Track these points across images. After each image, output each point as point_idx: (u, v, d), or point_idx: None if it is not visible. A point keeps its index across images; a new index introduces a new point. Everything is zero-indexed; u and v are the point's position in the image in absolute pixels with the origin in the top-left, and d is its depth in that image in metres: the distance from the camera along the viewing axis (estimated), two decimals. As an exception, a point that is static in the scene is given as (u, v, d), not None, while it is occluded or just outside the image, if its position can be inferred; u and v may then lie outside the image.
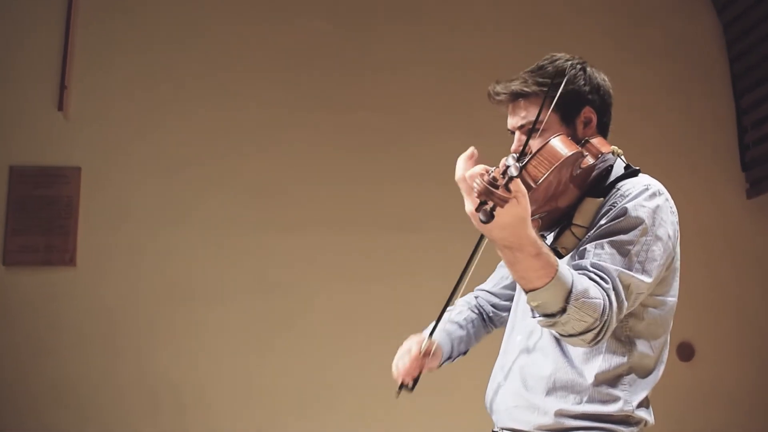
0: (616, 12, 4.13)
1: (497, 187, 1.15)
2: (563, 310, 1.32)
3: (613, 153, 1.61)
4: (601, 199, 1.55)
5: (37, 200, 3.67)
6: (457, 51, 4.00)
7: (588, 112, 1.63)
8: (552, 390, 1.56)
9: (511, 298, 1.90)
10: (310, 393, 3.65)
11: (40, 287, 3.62)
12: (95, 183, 3.74)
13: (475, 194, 1.16)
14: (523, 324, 1.70)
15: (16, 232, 3.64)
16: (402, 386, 1.76)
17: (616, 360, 1.54)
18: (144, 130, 3.82)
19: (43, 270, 3.64)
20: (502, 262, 1.92)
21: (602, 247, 1.45)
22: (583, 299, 1.32)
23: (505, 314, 1.92)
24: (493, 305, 1.97)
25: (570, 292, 1.31)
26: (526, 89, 1.61)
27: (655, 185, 1.55)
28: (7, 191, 3.67)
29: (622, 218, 1.48)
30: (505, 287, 1.96)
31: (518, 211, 1.21)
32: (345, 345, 3.70)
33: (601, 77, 1.68)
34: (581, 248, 1.49)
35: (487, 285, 2.00)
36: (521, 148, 1.52)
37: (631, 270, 1.44)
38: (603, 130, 1.67)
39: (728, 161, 4.07)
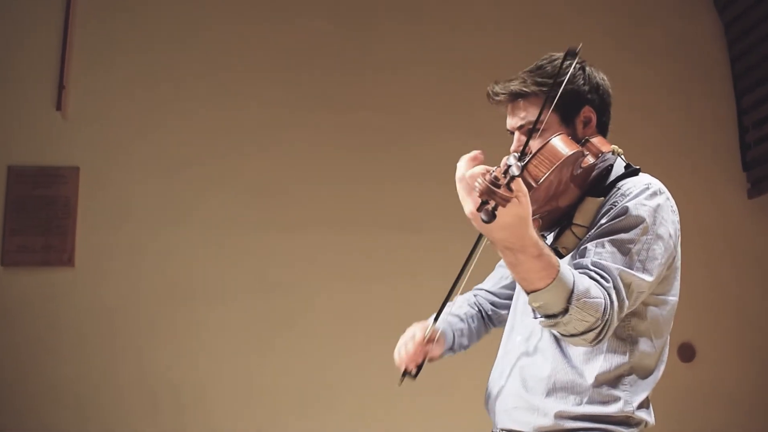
0: (616, 12, 4.13)
1: (499, 187, 1.15)
2: (565, 311, 1.31)
3: (613, 152, 1.61)
4: (602, 198, 1.55)
5: (36, 200, 3.67)
6: (458, 51, 4.00)
7: (587, 112, 1.63)
8: (552, 391, 1.56)
9: (510, 298, 1.89)
10: (310, 393, 3.65)
11: (39, 287, 3.62)
12: (94, 183, 3.73)
13: (477, 194, 1.16)
14: (522, 324, 1.69)
15: (14, 232, 3.64)
16: (405, 374, 1.74)
17: (617, 360, 1.54)
18: (143, 130, 3.81)
19: (41, 270, 3.64)
20: (501, 262, 1.93)
21: (603, 246, 1.45)
22: (584, 299, 1.32)
23: (504, 313, 1.92)
24: (492, 303, 1.96)
25: (572, 292, 1.31)
26: (525, 89, 1.61)
27: (656, 184, 1.55)
28: (5, 191, 3.66)
29: (622, 217, 1.48)
30: (505, 287, 1.95)
31: (519, 211, 1.21)
32: (345, 345, 3.70)
33: (601, 76, 1.67)
34: (582, 247, 1.49)
35: (486, 284, 2.00)
36: (521, 148, 1.52)
37: (632, 269, 1.43)
38: (603, 130, 1.67)
39: (729, 161, 4.06)
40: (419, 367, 1.74)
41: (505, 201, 1.16)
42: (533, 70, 1.64)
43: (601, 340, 1.39)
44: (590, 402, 1.53)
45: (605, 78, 1.69)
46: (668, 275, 1.56)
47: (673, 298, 1.59)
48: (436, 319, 1.76)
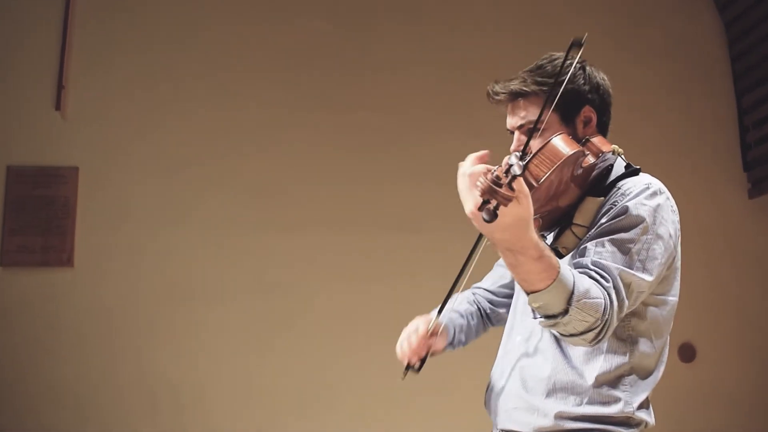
0: (616, 12, 4.12)
1: (501, 186, 1.14)
2: (565, 312, 1.31)
3: (613, 152, 1.60)
4: (602, 198, 1.55)
5: (35, 200, 3.66)
6: (457, 51, 3.99)
7: (588, 112, 1.63)
8: (552, 391, 1.56)
9: (508, 297, 1.89)
10: (310, 393, 3.65)
11: (38, 288, 3.62)
12: (93, 183, 3.73)
13: (479, 193, 1.16)
14: (522, 324, 1.69)
15: (13, 233, 3.64)
16: (408, 367, 1.73)
17: (617, 360, 1.53)
18: (143, 130, 3.81)
19: (40, 270, 3.63)
20: (499, 261, 1.93)
21: (603, 245, 1.45)
22: (584, 300, 1.32)
23: (502, 311, 1.92)
24: (490, 302, 1.96)
25: (572, 293, 1.31)
26: (525, 89, 1.61)
27: (656, 184, 1.55)
28: (5, 191, 3.66)
29: (623, 216, 1.48)
30: (503, 286, 1.95)
31: (520, 211, 1.21)
32: (345, 345, 3.70)
33: (601, 76, 1.67)
34: (582, 246, 1.49)
35: (485, 284, 1.99)
36: (521, 147, 1.51)
37: (632, 268, 1.43)
38: (603, 129, 1.67)
39: (729, 161, 4.06)
40: (423, 361, 1.73)
41: (507, 200, 1.15)
42: (533, 70, 1.63)
43: (600, 340, 1.39)
44: (590, 402, 1.53)
45: (605, 78, 1.68)
46: (668, 275, 1.56)
47: (673, 298, 1.59)
48: (439, 312, 1.74)
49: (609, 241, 1.45)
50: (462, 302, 1.94)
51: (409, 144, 3.90)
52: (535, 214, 1.32)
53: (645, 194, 1.51)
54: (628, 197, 1.50)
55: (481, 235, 1.56)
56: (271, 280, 3.72)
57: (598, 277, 1.39)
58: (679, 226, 1.57)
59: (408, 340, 1.74)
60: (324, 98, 3.92)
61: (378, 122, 3.91)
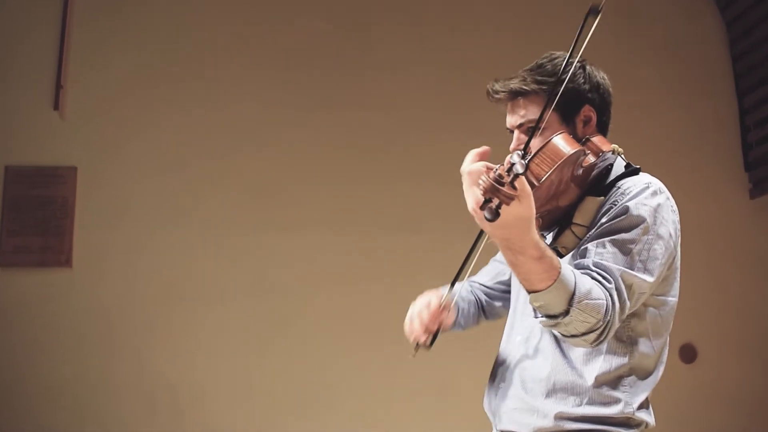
0: (617, 11, 4.10)
1: (503, 185, 1.14)
2: (566, 312, 1.31)
3: (613, 151, 1.60)
4: (602, 198, 1.54)
5: (33, 200, 3.66)
6: (457, 51, 3.99)
7: (588, 111, 1.62)
8: (551, 392, 1.55)
9: (504, 291, 1.89)
10: (309, 394, 3.64)
11: (36, 288, 3.61)
12: (91, 183, 3.73)
13: (481, 191, 1.15)
14: (522, 325, 1.68)
15: (11, 233, 3.63)
16: (419, 345, 1.68)
17: (617, 361, 1.53)
18: (141, 130, 3.80)
19: (38, 271, 3.63)
20: (496, 256, 1.92)
21: (604, 246, 1.44)
22: (586, 301, 1.31)
23: (498, 304, 1.91)
24: (486, 295, 1.95)
25: (573, 294, 1.31)
26: (525, 88, 1.60)
27: (656, 184, 1.55)
28: (3, 191, 3.66)
29: (623, 216, 1.47)
30: (501, 282, 1.94)
31: (521, 211, 1.20)
32: (345, 345, 3.69)
33: (601, 75, 1.67)
34: (582, 247, 1.48)
35: (482, 279, 1.97)
36: (521, 146, 1.50)
37: (633, 269, 1.43)
38: (603, 129, 1.66)
39: (731, 161, 4.05)
40: (434, 336, 1.68)
41: (509, 199, 1.15)
42: (533, 69, 1.63)
43: (602, 341, 1.38)
44: (590, 403, 1.52)
45: (605, 77, 1.68)
46: (668, 276, 1.55)
47: (673, 298, 1.58)
48: (452, 285, 1.69)
49: (610, 241, 1.45)
50: (462, 289, 1.92)
51: (409, 144, 3.89)
52: (535, 214, 1.31)
53: (645, 194, 1.50)
54: (628, 197, 1.50)
55: (481, 231, 1.56)
56: (270, 280, 3.72)
57: (599, 279, 1.38)
58: (679, 226, 1.57)
59: (419, 315, 1.69)
60: (324, 98, 3.91)
61: (378, 122, 3.90)
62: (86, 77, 3.82)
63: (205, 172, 3.79)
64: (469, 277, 1.76)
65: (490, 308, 1.94)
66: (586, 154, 1.54)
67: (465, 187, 1.25)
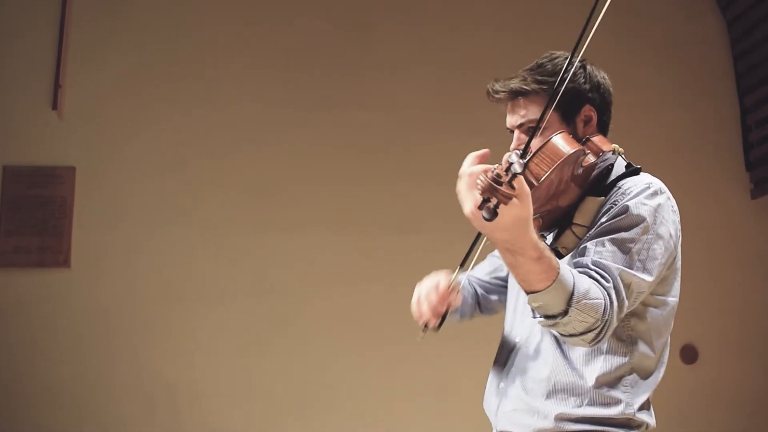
0: (618, 11, 4.09)
1: (501, 184, 1.14)
2: (565, 312, 1.31)
3: (613, 151, 1.60)
4: (602, 197, 1.54)
5: (31, 200, 3.66)
6: (457, 51, 3.99)
7: (588, 111, 1.62)
8: (552, 393, 1.55)
9: (500, 286, 1.89)
10: (309, 394, 3.64)
11: (34, 288, 3.61)
12: (90, 183, 3.72)
13: (479, 191, 1.15)
14: (522, 325, 1.68)
15: (9, 233, 3.63)
16: (427, 327, 1.64)
17: (617, 361, 1.52)
18: (140, 129, 3.80)
19: (37, 271, 3.62)
20: (493, 252, 1.91)
21: (603, 245, 1.44)
22: (584, 301, 1.31)
23: (494, 298, 1.90)
24: (483, 288, 1.94)
25: (571, 294, 1.30)
26: (525, 87, 1.60)
27: (657, 184, 1.54)
28: (1, 191, 3.65)
29: (623, 216, 1.47)
30: (498, 278, 1.93)
31: (520, 211, 1.20)
32: (344, 345, 3.69)
33: (601, 75, 1.67)
34: (582, 246, 1.48)
35: (478, 273, 1.96)
36: (521, 146, 1.50)
37: (632, 268, 1.42)
38: (603, 129, 1.66)
39: (732, 160, 4.05)
40: (443, 318, 1.64)
41: (507, 199, 1.15)
42: (533, 69, 1.63)
43: (600, 341, 1.38)
44: (591, 404, 1.51)
45: (606, 77, 1.68)
46: (668, 276, 1.55)
47: (673, 299, 1.58)
48: (461, 266, 1.64)
49: (609, 240, 1.44)
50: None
51: (409, 144, 3.89)
52: (534, 214, 1.31)
53: (645, 194, 1.50)
54: (628, 197, 1.49)
55: (479, 234, 1.55)
56: (270, 280, 3.72)
57: (598, 277, 1.38)
58: (679, 227, 1.56)
59: (427, 297, 1.65)
60: (324, 98, 3.91)
61: (378, 122, 3.90)
62: (85, 77, 3.81)
63: (205, 172, 3.78)
64: (472, 267, 1.74)
65: (486, 302, 1.92)
66: (586, 154, 1.54)
67: (463, 189, 1.24)
